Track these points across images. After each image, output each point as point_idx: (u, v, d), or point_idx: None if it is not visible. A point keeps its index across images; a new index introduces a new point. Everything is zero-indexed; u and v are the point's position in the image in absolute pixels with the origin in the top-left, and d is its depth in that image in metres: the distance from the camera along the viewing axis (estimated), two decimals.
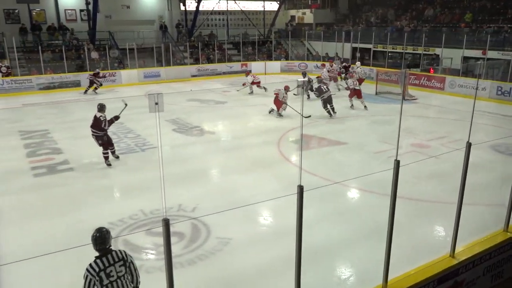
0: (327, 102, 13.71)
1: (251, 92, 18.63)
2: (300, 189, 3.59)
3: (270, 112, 14.15)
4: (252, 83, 18.53)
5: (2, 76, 18.82)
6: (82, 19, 24.60)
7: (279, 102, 13.79)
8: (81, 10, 24.50)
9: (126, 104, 9.27)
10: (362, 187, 8.00)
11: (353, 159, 9.89)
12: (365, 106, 15.24)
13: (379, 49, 23.22)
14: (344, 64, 21.41)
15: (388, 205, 4.27)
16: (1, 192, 7.97)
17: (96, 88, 19.19)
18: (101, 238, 3.72)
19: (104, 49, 22.24)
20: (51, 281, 5.28)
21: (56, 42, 22.71)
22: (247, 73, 19.82)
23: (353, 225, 6.63)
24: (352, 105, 15.43)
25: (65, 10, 24.27)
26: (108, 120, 9.28)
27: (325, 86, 13.94)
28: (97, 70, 19.47)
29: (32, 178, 8.70)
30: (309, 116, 13.31)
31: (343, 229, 6.50)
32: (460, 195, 4.92)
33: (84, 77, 20.21)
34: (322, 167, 9.07)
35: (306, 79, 16.73)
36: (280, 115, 13.90)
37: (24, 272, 5.23)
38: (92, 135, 9.37)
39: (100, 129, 9.19)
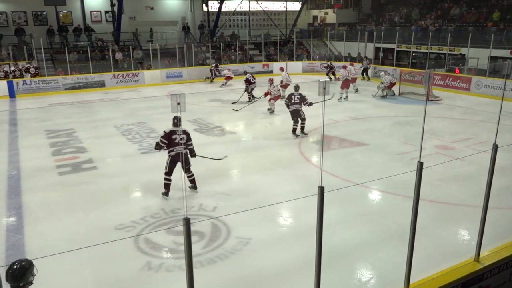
0: (295, 115, 11.32)
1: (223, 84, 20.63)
2: (321, 190, 3.57)
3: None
4: (226, 77, 20.64)
5: (30, 77, 19.36)
6: (107, 21, 25.12)
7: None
8: (106, 12, 25.00)
9: (219, 159, 8.54)
10: (384, 189, 7.89)
11: (375, 160, 9.77)
12: (346, 97, 16.40)
13: (402, 49, 22.84)
14: (330, 63, 22.00)
15: (411, 208, 4.20)
16: (28, 190, 8.20)
17: (212, 79, 21.92)
18: (12, 274, 3.35)
19: (128, 49, 22.62)
20: (75, 277, 5.39)
21: (82, 43, 23.25)
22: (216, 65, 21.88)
23: (374, 227, 6.54)
24: (344, 97, 16.43)
25: (90, 11, 24.82)
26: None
27: (297, 96, 11.20)
28: (216, 63, 22.33)
29: (57, 176, 8.91)
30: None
31: (365, 231, 6.42)
32: (486, 198, 4.80)
33: (108, 77, 20.68)
34: (343, 168, 8.99)
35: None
36: (270, 110, 14.42)
37: (49, 268, 5.35)
38: (179, 153, 7.38)
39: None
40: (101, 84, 20.65)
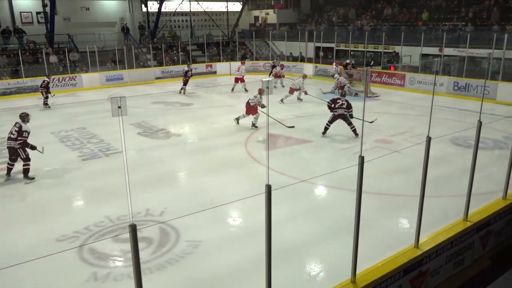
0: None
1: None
2: (268, 189, 3.61)
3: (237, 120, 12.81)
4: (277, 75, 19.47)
5: None
6: (39, 22, 23.82)
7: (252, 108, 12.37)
8: (38, 13, 23.71)
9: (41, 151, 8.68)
10: (330, 184, 8.13)
11: (319, 156, 10.04)
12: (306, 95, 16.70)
13: (341, 48, 23.65)
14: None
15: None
16: None
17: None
18: None
19: (63, 52, 21.56)
20: None
21: (12, 45, 21.84)
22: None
23: (322, 221, 6.72)
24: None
25: (20, 12, 23.43)
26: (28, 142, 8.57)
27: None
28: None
29: None
30: (293, 127, 12.31)
31: (313, 226, 6.58)
32: (422, 187, 5.09)
33: (40, 82, 19.59)
34: (290, 166, 9.15)
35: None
36: (255, 126, 12.49)
37: None
38: (15, 147, 8.40)
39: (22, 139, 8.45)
40: (35, 89, 19.50)
